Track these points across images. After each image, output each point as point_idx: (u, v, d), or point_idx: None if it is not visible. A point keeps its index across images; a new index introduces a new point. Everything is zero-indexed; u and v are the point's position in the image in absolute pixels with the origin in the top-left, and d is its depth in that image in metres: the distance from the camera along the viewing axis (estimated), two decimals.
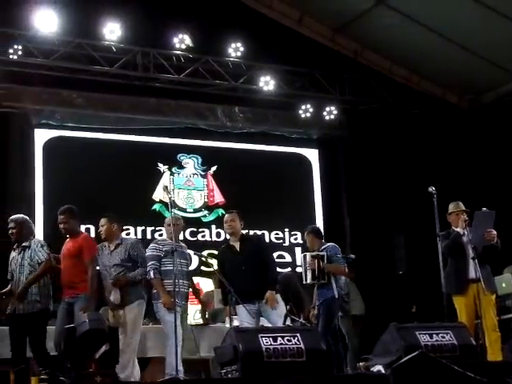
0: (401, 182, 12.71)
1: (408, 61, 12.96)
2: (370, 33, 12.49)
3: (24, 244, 7.57)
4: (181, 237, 8.40)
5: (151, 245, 8.03)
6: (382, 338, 6.55)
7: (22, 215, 7.80)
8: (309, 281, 8.62)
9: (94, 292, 7.55)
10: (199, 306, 9.08)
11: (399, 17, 11.85)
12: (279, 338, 6.08)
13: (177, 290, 7.55)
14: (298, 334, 6.18)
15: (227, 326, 8.14)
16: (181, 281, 7.76)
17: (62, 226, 7.77)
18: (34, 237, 7.74)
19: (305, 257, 8.68)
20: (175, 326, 7.23)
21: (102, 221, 8.01)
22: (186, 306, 8.05)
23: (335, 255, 8.63)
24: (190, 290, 8.24)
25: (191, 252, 9.06)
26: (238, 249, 8.01)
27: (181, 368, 7.36)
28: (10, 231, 7.64)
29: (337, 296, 8.51)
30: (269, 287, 7.82)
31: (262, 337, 6.08)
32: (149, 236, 11.37)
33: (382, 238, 12.51)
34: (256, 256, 7.95)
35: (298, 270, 10.48)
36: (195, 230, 11.90)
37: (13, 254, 7.67)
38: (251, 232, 11.47)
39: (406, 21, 11.88)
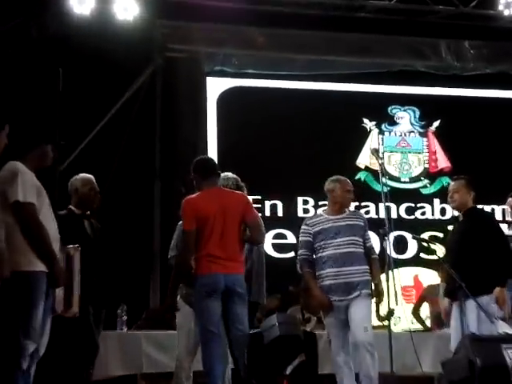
0: None
1: None
2: None
3: None
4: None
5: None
6: None
7: None
8: None
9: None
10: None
11: None
12: None
13: (332, 282, 6.45)
14: None
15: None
16: (343, 268, 6.51)
17: None
18: None
19: None
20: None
21: None
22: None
23: None
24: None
25: (409, 235, 9.07)
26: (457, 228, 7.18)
27: None
28: None
29: None
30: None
31: (506, 348, 5.58)
32: None
33: None
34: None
35: None
36: (412, 205, 10.77)
37: None
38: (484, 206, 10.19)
39: None
